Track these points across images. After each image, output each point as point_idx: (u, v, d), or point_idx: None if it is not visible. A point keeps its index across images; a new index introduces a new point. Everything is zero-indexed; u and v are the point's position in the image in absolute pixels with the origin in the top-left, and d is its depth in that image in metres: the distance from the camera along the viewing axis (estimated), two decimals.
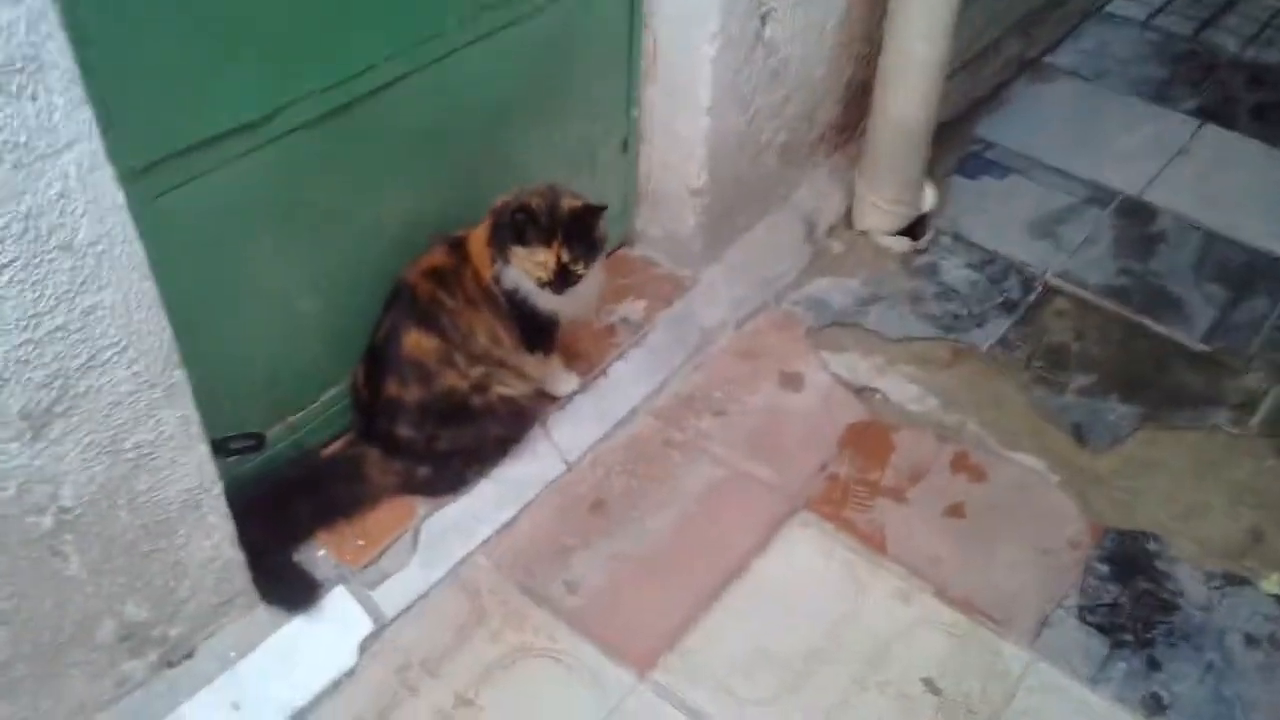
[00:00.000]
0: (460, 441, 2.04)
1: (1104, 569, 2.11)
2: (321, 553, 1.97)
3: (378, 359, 1.99)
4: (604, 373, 2.38)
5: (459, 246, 2.01)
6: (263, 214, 1.77)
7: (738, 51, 2.34)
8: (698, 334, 2.54)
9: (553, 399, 2.28)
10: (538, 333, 2.09)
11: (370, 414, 2.02)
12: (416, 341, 1.95)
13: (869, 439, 2.37)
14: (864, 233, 2.92)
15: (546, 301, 1.99)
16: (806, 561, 2.11)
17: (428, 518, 2.05)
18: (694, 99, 2.35)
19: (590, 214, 1.95)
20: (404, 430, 1.99)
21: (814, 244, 2.87)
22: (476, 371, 2.01)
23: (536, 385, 2.17)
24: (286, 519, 1.94)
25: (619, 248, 2.68)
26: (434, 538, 2.04)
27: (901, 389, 2.50)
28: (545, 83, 2.21)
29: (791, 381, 2.50)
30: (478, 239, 1.99)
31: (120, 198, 1.31)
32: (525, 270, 1.90)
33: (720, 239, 2.65)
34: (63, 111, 1.21)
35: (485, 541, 2.07)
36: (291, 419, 2.02)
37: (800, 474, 2.27)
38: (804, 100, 2.71)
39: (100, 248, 1.31)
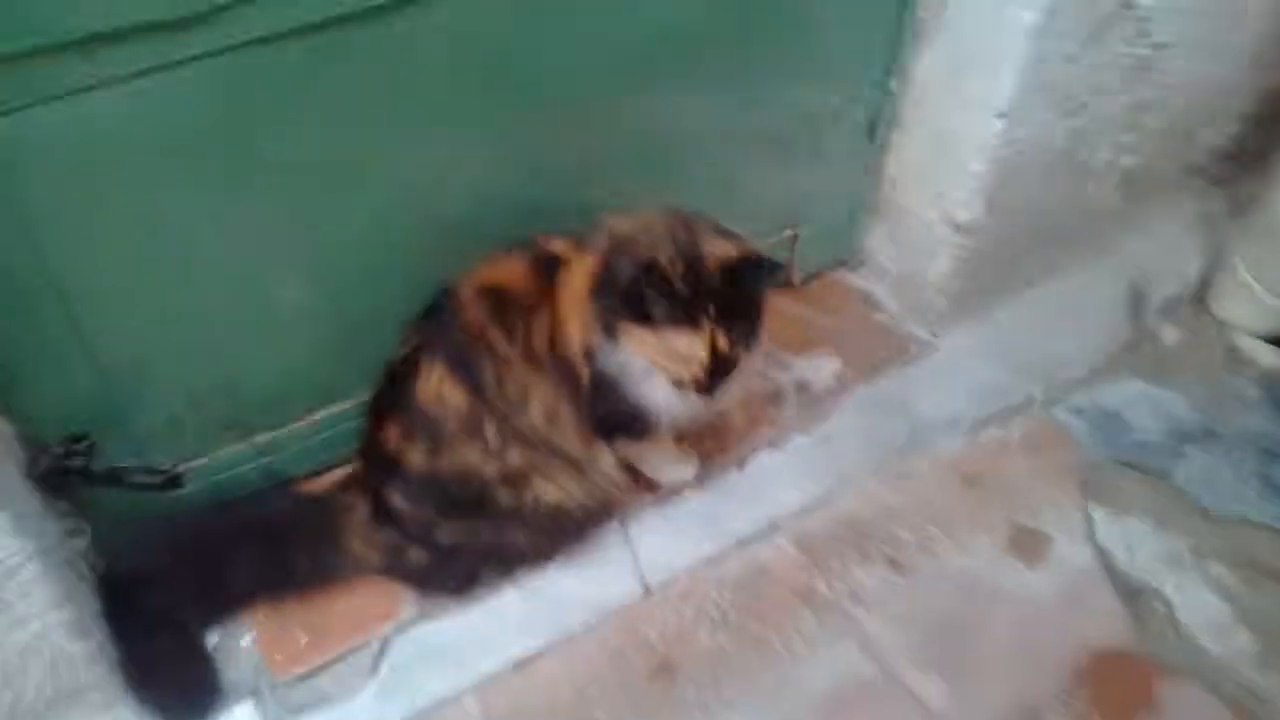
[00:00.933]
0: (468, 541, 1.37)
1: None
2: (247, 640, 1.37)
3: (387, 387, 1.33)
4: (741, 461, 1.61)
5: (547, 267, 1.30)
6: (198, 155, 1.13)
7: (1080, 24, 1.42)
8: (907, 430, 1.71)
9: (650, 488, 1.55)
10: (623, 424, 1.36)
11: (368, 457, 1.38)
12: (439, 387, 1.28)
13: (1122, 682, 1.48)
14: (1221, 324, 1.92)
15: (669, 403, 1.30)
16: None
17: (410, 626, 1.41)
18: (987, 87, 1.47)
19: (753, 268, 1.22)
20: (396, 499, 1.34)
21: (1137, 324, 1.92)
22: (514, 456, 1.32)
23: (608, 490, 1.44)
24: (214, 577, 1.35)
25: (829, 269, 1.86)
26: (409, 659, 1.39)
27: (1202, 605, 1.56)
28: (750, 6, 1.40)
29: (1028, 544, 1.62)
30: (576, 277, 1.27)
31: None
32: (651, 362, 1.25)
33: (984, 292, 1.77)
34: None
35: (483, 682, 1.39)
36: (261, 438, 1.41)
37: (996, 708, 1.43)
38: (1180, 111, 1.73)
39: None
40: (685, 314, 1.18)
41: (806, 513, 1.61)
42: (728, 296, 1.20)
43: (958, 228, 1.63)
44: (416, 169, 1.28)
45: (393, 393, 1.31)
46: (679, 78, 1.41)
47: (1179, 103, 1.71)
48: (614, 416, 1.33)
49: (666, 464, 1.54)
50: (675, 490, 1.56)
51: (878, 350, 1.77)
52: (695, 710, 1.39)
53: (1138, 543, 1.62)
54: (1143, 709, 1.44)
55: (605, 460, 1.40)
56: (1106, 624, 1.53)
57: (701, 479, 1.57)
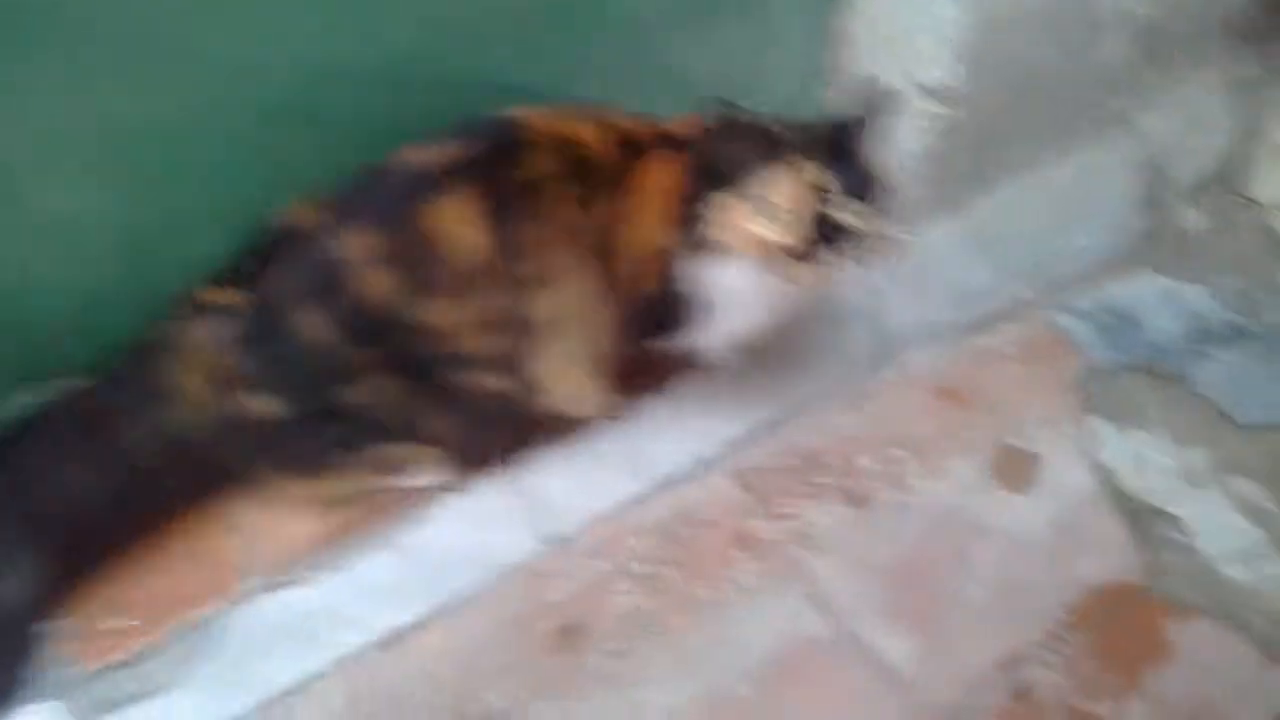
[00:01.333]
0: (377, 407, 1.10)
1: None
2: (51, 624, 1.14)
3: (376, 188, 1.06)
4: (667, 390, 1.35)
5: (629, 148, 1.11)
6: None
7: None
8: (871, 341, 1.44)
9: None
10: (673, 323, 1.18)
11: (292, 253, 1.08)
12: (459, 219, 1.02)
13: (1126, 623, 1.22)
14: (1256, 206, 1.62)
15: (741, 308, 1.15)
16: None
17: (251, 599, 1.18)
18: None
19: (855, 130, 1.09)
20: (316, 319, 1.03)
21: (1155, 209, 1.62)
22: (496, 337, 1.09)
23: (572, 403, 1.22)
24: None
25: None
26: (251, 638, 1.16)
27: (1225, 529, 1.30)
28: None
29: (1016, 467, 1.35)
30: (665, 173, 1.10)
31: None
32: (745, 242, 1.06)
33: (966, 176, 1.48)
34: None
35: (345, 662, 1.16)
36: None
37: (970, 666, 1.18)
38: None
39: None
40: (782, 153, 1.03)
41: (747, 444, 1.35)
42: (835, 150, 1.06)
43: (928, 92, 1.34)
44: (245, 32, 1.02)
45: (385, 196, 1.04)
46: None
47: None
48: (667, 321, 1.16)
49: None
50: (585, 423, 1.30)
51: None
52: (606, 684, 1.16)
53: (1148, 459, 1.35)
54: (1151, 654, 1.19)
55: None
56: (1108, 557, 1.27)
57: (617, 410, 1.31)
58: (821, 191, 1.03)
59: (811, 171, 1.04)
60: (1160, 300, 1.54)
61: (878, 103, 1.08)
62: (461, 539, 1.23)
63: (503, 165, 1.04)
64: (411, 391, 1.09)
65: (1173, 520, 1.29)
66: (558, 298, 1.08)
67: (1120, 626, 1.21)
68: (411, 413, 1.12)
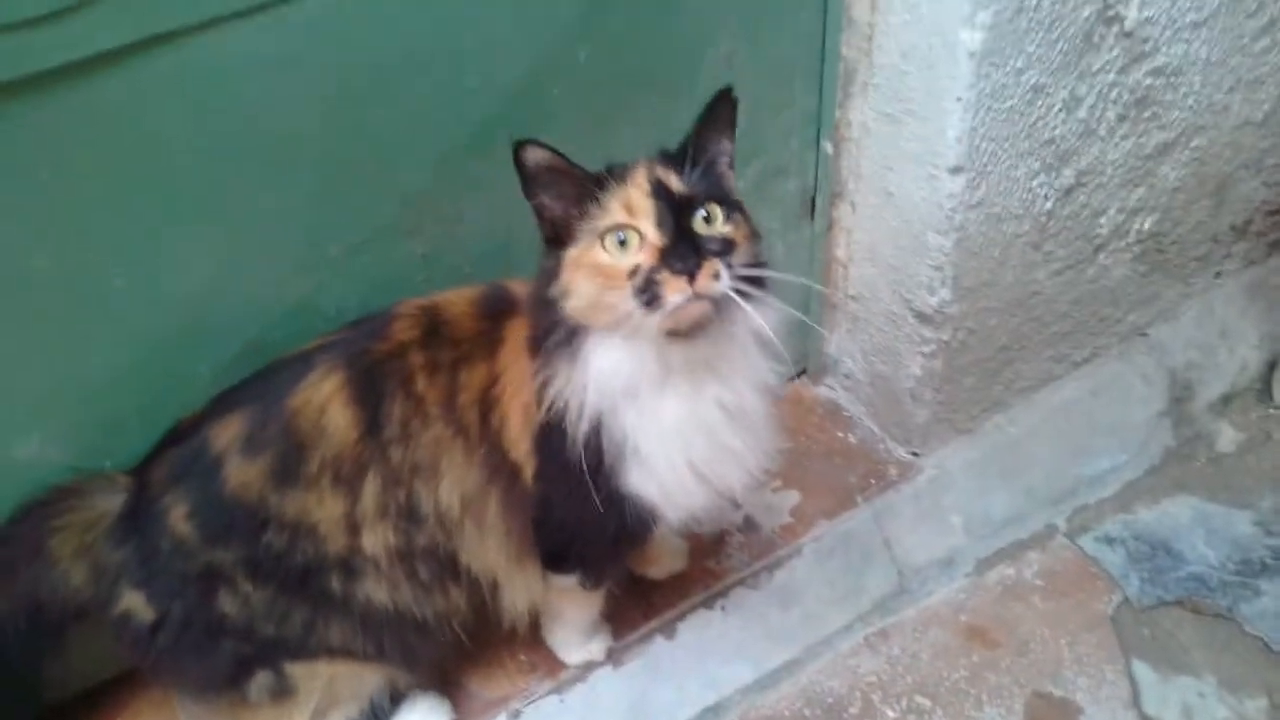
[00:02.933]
0: (250, 619, 0.99)
1: None
2: None
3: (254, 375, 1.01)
4: (671, 628, 1.26)
5: (495, 306, 1.01)
6: None
7: (1047, 46, 1.12)
8: (889, 575, 1.35)
9: (559, 665, 1.21)
10: (590, 536, 1.01)
11: (171, 440, 1.01)
12: (326, 400, 0.95)
13: None
14: None
15: (673, 474, 0.95)
16: None
17: None
18: (934, 134, 1.16)
19: (703, 133, 0.91)
20: (181, 512, 0.95)
21: (1180, 425, 1.55)
22: (381, 537, 0.97)
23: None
24: None
25: (791, 379, 1.54)
26: None
27: None
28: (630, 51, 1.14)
29: (1052, 718, 1.23)
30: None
31: None
32: (589, 288, 0.87)
33: (975, 398, 1.42)
34: None
35: None
36: None
37: None
38: (1207, 157, 1.41)
39: None
40: (609, 175, 0.88)
41: (759, 690, 1.24)
42: (677, 153, 0.91)
43: (923, 318, 1.30)
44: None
45: (262, 382, 0.98)
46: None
47: (1203, 145, 1.39)
48: (577, 525, 0.99)
49: (574, 637, 1.20)
50: (580, 670, 1.21)
51: (846, 476, 1.42)
52: None
53: (1198, 709, 1.22)
54: None
55: (522, 590, 1.06)
56: None
57: (613, 653, 1.22)
58: (674, 197, 0.86)
59: (644, 170, 0.88)
60: (1195, 525, 1.44)
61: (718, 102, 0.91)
62: None
63: (363, 338, 0.97)
64: (293, 602, 0.98)
65: None
66: (448, 481, 0.97)
67: None
68: (305, 627, 0.99)
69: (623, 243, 0.84)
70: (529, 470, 0.97)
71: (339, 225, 1.07)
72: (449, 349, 0.97)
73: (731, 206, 0.89)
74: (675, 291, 0.81)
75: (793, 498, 1.39)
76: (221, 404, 0.98)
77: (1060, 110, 1.19)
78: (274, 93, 0.96)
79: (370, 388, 0.95)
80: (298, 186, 1.02)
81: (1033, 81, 1.14)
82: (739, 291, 0.83)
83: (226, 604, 0.97)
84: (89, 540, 0.98)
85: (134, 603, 0.96)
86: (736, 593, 1.29)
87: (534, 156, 0.85)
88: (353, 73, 0.99)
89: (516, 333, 0.96)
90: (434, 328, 0.98)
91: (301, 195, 1.03)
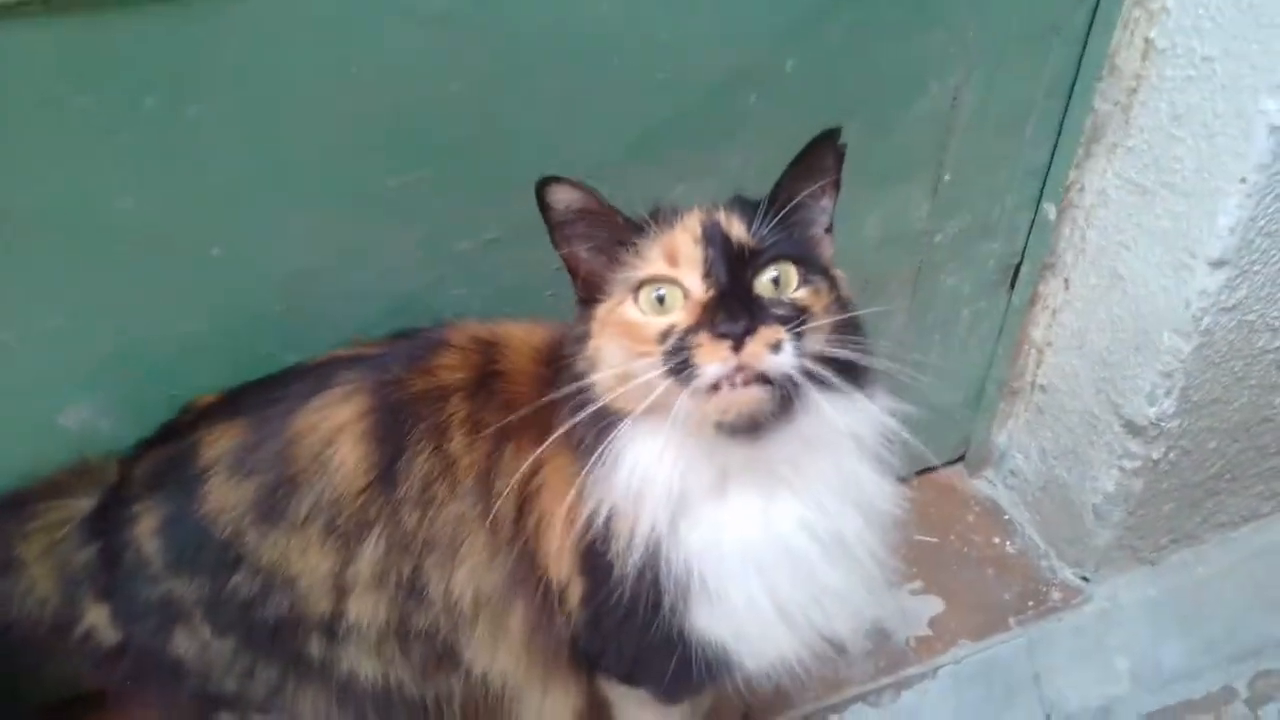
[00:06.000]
0: (209, 669, 0.81)
1: None
2: None
3: (251, 383, 0.83)
4: None
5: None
6: None
7: None
8: (1035, 719, 1.14)
9: None
10: (659, 674, 0.79)
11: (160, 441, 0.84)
12: (338, 430, 0.76)
13: None
14: None
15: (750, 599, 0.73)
16: None
17: None
18: (1201, 218, 0.95)
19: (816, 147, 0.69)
20: (149, 528, 0.78)
21: None
22: (373, 606, 0.78)
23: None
24: None
25: (938, 465, 1.34)
26: None
27: None
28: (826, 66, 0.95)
29: None
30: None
31: None
32: (616, 353, 0.67)
33: (1167, 526, 1.21)
34: None
35: None
36: None
37: None
38: None
39: None
40: (655, 217, 0.69)
41: None
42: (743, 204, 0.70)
43: (1133, 428, 1.09)
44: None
45: (271, 390, 0.80)
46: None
47: None
48: (637, 662, 0.79)
49: None
50: None
51: (999, 591, 1.21)
52: None
53: None
54: None
55: (544, 713, 0.85)
56: None
57: None
58: (732, 247, 0.67)
59: (701, 216, 0.68)
60: None
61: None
62: None
63: (405, 366, 0.78)
64: (260, 659, 0.80)
65: None
66: (466, 569, 0.77)
67: None
68: (272, 691, 0.82)
69: (661, 299, 0.65)
70: (574, 593, 0.77)
71: (472, 218, 0.90)
72: (498, 410, 0.77)
73: (812, 268, 0.68)
74: (713, 360, 0.61)
75: (934, 605, 1.19)
76: (230, 404, 0.81)
77: None
78: (422, 54, 0.79)
79: (394, 428, 0.76)
80: (433, 167, 0.86)
81: None
82: (812, 376, 0.62)
83: (182, 646, 0.80)
84: (58, 538, 0.81)
85: (98, 618, 0.80)
86: (855, 710, 1.10)
87: (564, 197, 0.67)
88: (519, 43, 0.82)
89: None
90: (487, 377, 0.78)
91: (434, 177, 0.86)
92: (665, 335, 0.64)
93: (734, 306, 0.62)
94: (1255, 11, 0.87)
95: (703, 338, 0.61)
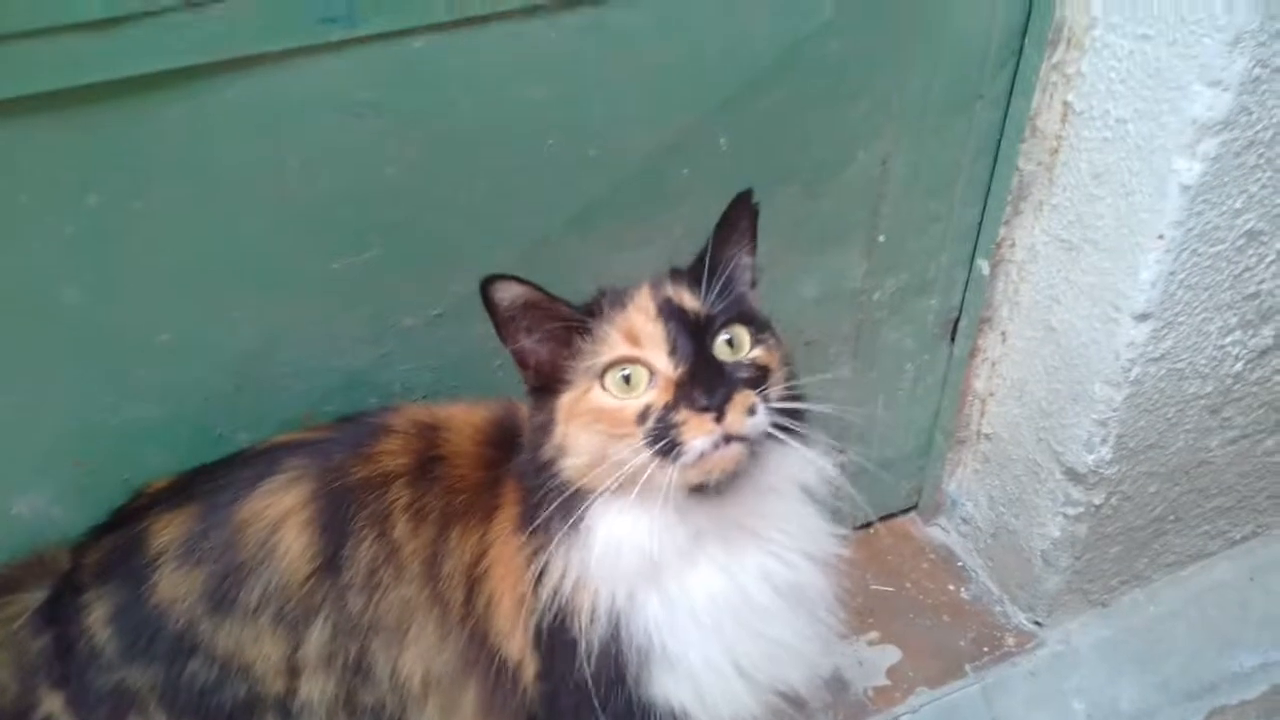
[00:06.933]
0: None
1: None
2: None
3: (199, 469, 0.84)
4: None
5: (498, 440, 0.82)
6: None
7: (1272, 183, 0.95)
8: None
9: None
10: None
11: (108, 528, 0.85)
12: (283, 516, 0.77)
13: None
14: None
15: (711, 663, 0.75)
16: None
17: None
18: (1125, 273, 0.99)
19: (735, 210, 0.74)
20: (100, 617, 0.79)
21: None
22: (320, 685, 0.79)
23: None
24: None
25: (891, 514, 1.36)
26: None
27: None
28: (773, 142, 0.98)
29: None
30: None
31: None
32: (590, 440, 0.69)
33: (1117, 573, 1.24)
34: None
35: None
36: None
37: None
38: None
39: None
40: (603, 300, 0.73)
41: None
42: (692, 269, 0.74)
43: (1074, 475, 1.12)
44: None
45: (218, 478, 0.81)
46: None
47: None
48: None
49: None
50: None
51: (955, 638, 1.23)
52: None
53: None
54: None
55: None
56: None
57: None
58: (689, 318, 0.70)
59: (649, 290, 0.72)
60: None
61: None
62: None
63: (349, 452, 0.80)
64: None
65: None
66: (414, 652, 0.79)
67: None
68: None
69: (627, 379, 0.68)
70: (528, 670, 0.78)
71: (416, 295, 0.93)
72: (440, 495, 0.79)
73: (759, 327, 0.72)
74: (699, 434, 0.64)
75: (891, 655, 1.21)
76: (179, 489, 0.82)
77: (1273, 262, 1.01)
78: (356, 142, 0.82)
79: (338, 515, 0.77)
80: (375, 248, 0.88)
81: (1249, 226, 0.96)
82: (781, 427, 0.66)
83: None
84: (14, 630, 0.82)
85: (54, 706, 0.81)
86: None
87: (508, 294, 0.69)
88: (453, 127, 0.84)
89: (516, 494, 0.78)
90: (428, 462, 0.80)
91: (377, 258, 0.88)
92: (644, 416, 0.67)
93: (708, 379, 0.66)
94: (1163, 75, 0.90)
95: (684, 414, 0.65)
